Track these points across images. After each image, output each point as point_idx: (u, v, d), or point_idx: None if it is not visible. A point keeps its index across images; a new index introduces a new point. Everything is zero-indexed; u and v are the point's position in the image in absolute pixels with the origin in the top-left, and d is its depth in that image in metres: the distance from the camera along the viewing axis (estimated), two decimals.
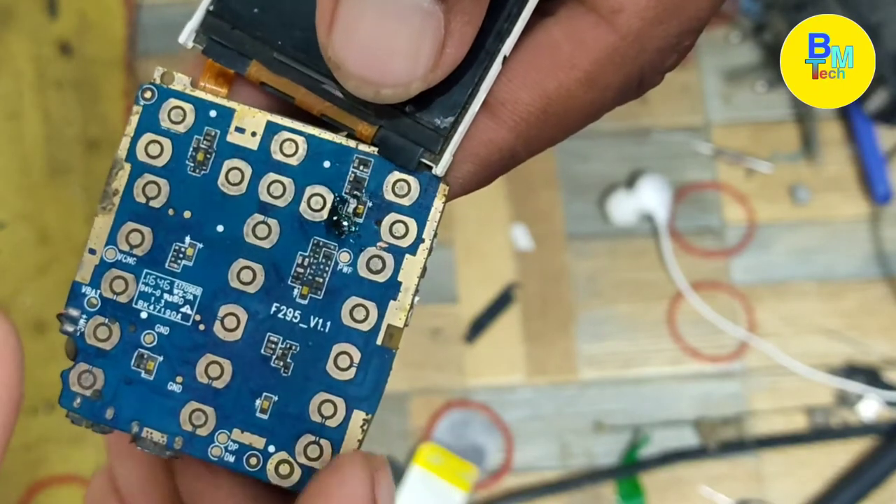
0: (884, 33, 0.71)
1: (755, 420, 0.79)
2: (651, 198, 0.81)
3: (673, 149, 0.85)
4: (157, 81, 0.23)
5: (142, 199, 0.22)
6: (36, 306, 0.77)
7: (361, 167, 0.22)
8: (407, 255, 0.22)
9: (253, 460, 0.22)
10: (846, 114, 0.84)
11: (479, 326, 0.80)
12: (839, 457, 0.79)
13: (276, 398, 0.22)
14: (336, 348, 0.22)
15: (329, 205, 0.22)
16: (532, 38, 0.23)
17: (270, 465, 0.22)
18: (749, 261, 0.83)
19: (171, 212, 0.22)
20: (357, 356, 0.22)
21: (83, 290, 0.23)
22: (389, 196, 0.22)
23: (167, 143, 0.22)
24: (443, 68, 0.21)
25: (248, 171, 0.22)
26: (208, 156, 0.22)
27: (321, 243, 0.22)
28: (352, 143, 0.22)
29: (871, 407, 0.79)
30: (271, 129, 0.22)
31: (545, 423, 0.78)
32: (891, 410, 0.79)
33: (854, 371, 0.80)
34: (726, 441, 0.78)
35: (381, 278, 0.22)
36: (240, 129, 0.22)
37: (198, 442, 0.22)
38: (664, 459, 0.77)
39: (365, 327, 0.22)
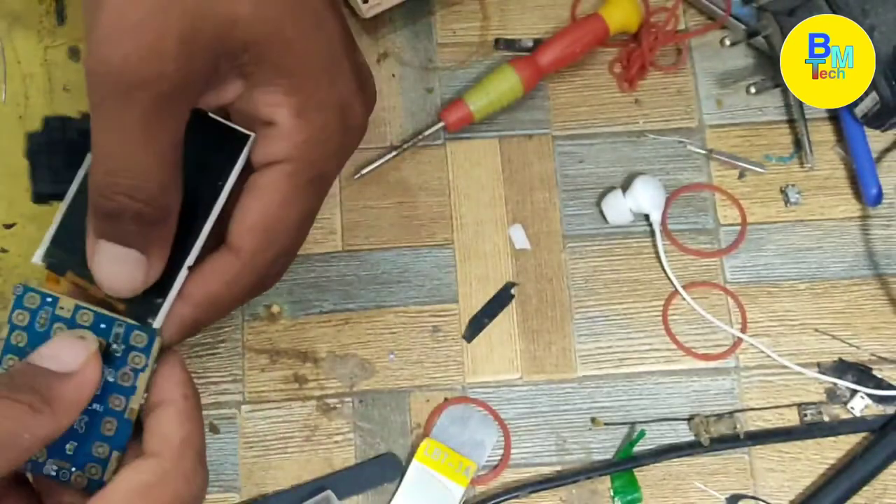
0: (874, 37, 0.70)
1: (748, 416, 0.79)
2: (646, 199, 0.81)
3: (667, 151, 0.85)
4: (25, 284, 0.42)
5: (14, 342, 0.42)
6: None
7: (118, 327, 0.42)
8: (140, 373, 0.42)
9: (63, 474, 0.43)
10: (837, 117, 0.84)
11: (477, 325, 0.80)
12: (830, 452, 0.79)
13: (76, 444, 0.43)
14: (105, 419, 0.42)
15: (103, 347, 0.42)
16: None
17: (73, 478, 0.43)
18: (742, 261, 0.83)
19: (28, 349, 0.42)
20: (115, 423, 0.42)
21: None
22: (132, 342, 0.42)
23: (27, 314, 0.42)
24: (150, 279, 0.41)
25: (65, 328, 0.42)
26: (46, 321, 0.42)
27: (102, 366, 0.42)
28: (115, 315, 0.42)
29: (861, 403, 0.79)
30: (77, 308, 0.42)
31: (542, 419, 0.79)
32: (880, 406, 0.79)
33: (845, 368, 0.80)
34: (719, 436, 0.78)
35: (128, 384, 0.42)
36: (61, 307, 0.42)
37: (39, 465, 0.43)
38: (658, 454, 0.77)
39: (119, 408, 0.42)
